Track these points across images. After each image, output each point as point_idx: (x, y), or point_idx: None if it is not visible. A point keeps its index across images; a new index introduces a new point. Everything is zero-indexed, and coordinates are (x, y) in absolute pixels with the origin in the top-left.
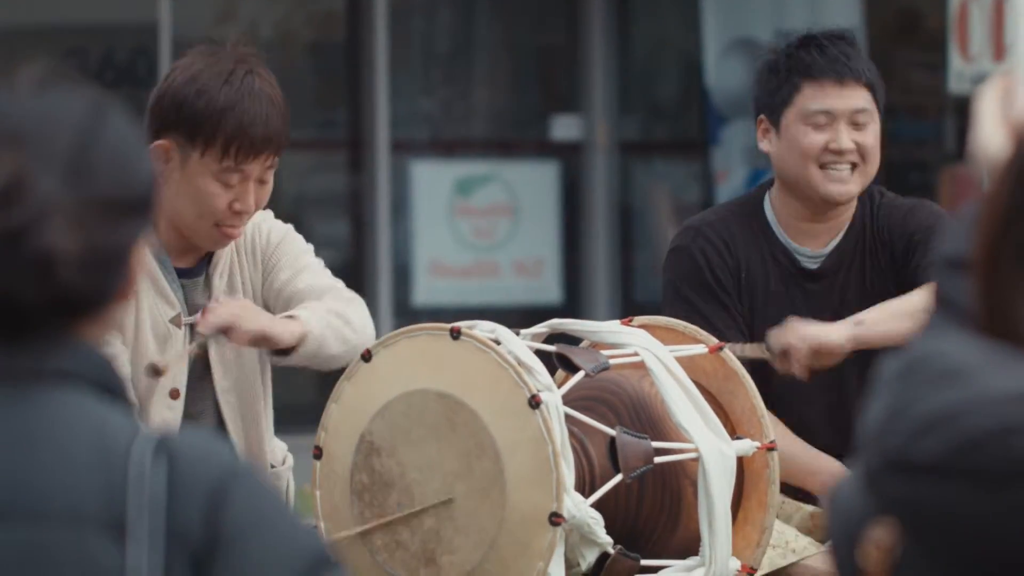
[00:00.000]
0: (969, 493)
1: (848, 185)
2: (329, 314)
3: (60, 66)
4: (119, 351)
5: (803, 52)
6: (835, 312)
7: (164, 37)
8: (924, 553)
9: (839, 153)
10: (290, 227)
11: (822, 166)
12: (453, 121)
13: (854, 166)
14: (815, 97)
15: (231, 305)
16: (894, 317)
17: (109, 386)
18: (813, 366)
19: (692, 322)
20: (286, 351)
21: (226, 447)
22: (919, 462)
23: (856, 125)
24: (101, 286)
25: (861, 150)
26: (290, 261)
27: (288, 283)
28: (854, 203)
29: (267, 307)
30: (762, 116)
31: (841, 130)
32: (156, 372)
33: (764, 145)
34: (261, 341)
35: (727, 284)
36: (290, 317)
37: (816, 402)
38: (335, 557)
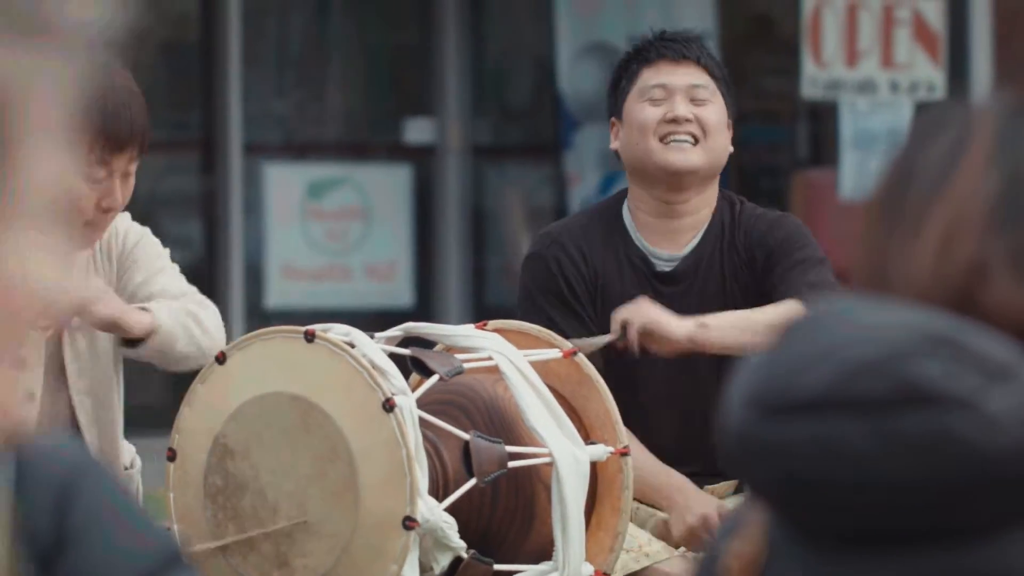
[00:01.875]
0: (851, 425)
1: (689, 155)
2: (182, 313)
3: None
4: None
5: (642, 45)
6: (693, 315)
7: None
8: (789, 536)
9: (676, 122)
10: (147, 230)
11: (662, 139)
12: (306, 123)
13: (696, 141)
14: (651, 76)
15: (88, 286)
16: (739, 328)
17: None
18: (647, 346)
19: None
20: (135, 342)
21: (77, 445)
22: (798, 399)
23: (695, 101)
24: None
25: (701, 123)
26: (146, 263)
27: (142, 285)
28: (711, 202)
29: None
30: (612, 118)
31: (678, 101)
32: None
33: (614, 144)
34: (112, 326)
35: (581, 294)
36: (143, 309)
37: (670, 413)
38: (185, 558)
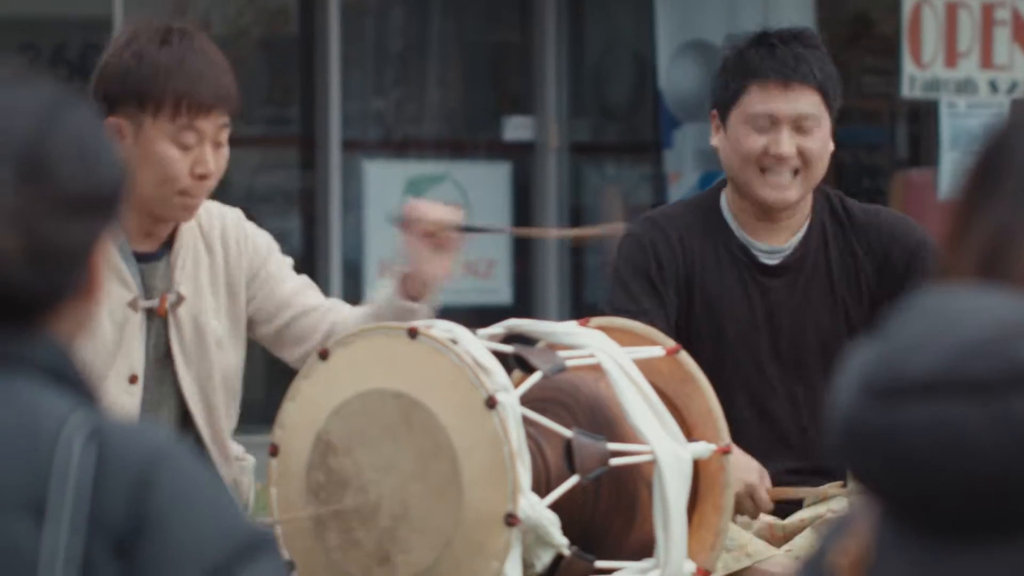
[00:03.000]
0: (964, 407)
1: (787, 192)
2: None
3: (16, 60)
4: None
5: (752, 51)
6: (794, 310)
7: (117, 32)
8: (896, 529)
9: (779, 159)
10: (270, 236)
11: (762, 170)
12: (405, 120)
13: (796, 171)
14: (759, 99)
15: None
16: None
17: (63, 374)
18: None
19: (622, 302)
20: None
21: (160, 431)
22: (910, 381)
23: (800, 129)
24: (53, 284)
25: (804, 155)
26: (285, 275)
27: (296, 295)
28: (807, 201)
29: (255, 304)
30: (714, 111)
31: (783, 135)
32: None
33: (714, 141)
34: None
35: (668, 278)
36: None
37: (772, 410)
38: (266, 542)
